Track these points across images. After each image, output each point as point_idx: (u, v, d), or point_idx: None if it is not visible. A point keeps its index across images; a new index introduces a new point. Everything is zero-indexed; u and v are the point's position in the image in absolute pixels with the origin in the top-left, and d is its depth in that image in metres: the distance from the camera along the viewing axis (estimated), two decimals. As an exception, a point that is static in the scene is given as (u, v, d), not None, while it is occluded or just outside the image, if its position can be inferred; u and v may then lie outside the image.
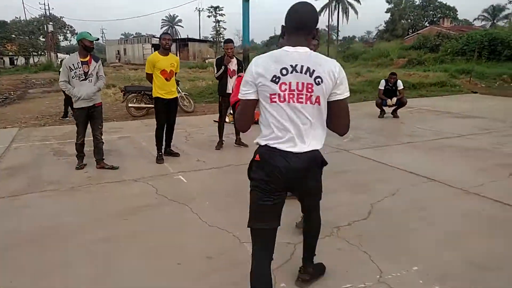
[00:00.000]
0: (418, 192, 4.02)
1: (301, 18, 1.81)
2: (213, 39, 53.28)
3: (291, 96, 1.78)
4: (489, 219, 3.34)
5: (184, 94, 10.12)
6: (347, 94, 1.86)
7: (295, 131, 1.82)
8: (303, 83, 1.77)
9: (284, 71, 1.77)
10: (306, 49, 1.81)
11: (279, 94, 1.78)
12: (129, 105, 9.37)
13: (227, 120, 6.50)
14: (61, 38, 56.74)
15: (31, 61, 45.91)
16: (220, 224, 3.25)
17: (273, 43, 51.96)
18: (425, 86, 14.43)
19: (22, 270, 2.62)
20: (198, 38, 57.01)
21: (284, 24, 1.87)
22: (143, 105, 9.31)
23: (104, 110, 10.21)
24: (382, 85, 8.53)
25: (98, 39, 4.81)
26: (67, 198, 3.97)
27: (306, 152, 1.84)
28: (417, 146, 5.93)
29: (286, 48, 1.81)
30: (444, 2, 55.02)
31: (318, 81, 1.76)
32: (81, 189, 4.20)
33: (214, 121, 7.23)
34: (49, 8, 47.47)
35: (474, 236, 3.04)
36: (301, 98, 1.78)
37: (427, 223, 3.28)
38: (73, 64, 4.55)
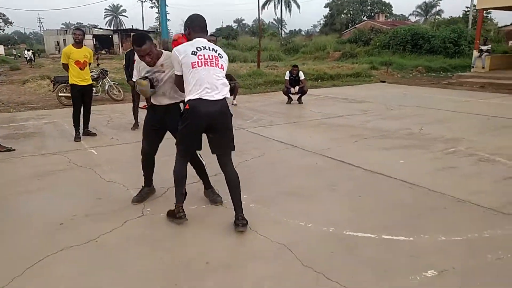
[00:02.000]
0: (277, 154, 5.28)
1: (202, 22, 3.13)
2: (157, 30, 52.97)
3: (206, 62, 2.96)
4: (315, 168, 4.64)
5: (114, 84, 10.87)
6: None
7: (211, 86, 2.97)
8: (212, 55, 3.01)
9: (198, 49, 2.98)
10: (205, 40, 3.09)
11: (197, 62, 2.94)
12: (59, 94, 9.98)
13: (141, 105, 7.39)
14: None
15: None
16: (115, 180, 4.28)
17: (219, 35, 52.41)
18: (342, 77, 16.10)
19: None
20: (141, 28, 56.26)
21: (188, 25, 3.10)
22: (72, 94, 9.94)
23: (37, 100, 10.78)
24: (287, 76, 9.87)
25: None
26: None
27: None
28: (299, 125, 7.29)
29: (196, 38, 3.04)
30: (381, -1, 58.48)
31: (220, 55, 3.07)
32: (4, 160, 5.03)
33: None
34: (-22, -5, 44.70)
35: (295, 177, 4.31)
36: (213, 63, 2.99)
37: (269, 171, 4.52)
38: None
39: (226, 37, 48.45)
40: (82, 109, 6.13)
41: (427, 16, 66.76)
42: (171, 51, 3.18)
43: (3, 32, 60.18)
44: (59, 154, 5.31)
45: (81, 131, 6.16)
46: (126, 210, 3.51)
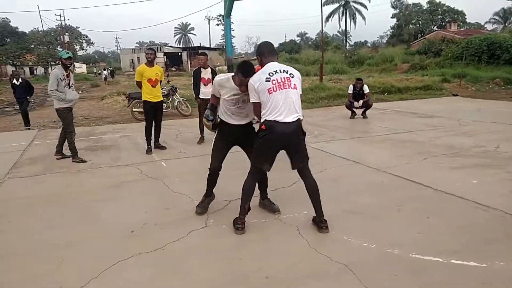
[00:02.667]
0: (339, 170, 5.19)
1: (269, 47, 3.40)
2: (222, 47, 55.02)
3: (279, 86, 3.16)
4: (380, 186, 4.49)
5: (182, 100, 11.46)
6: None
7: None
8: (284, 77, 3.20)
9: (271, 74, 3.20)
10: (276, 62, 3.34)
11: (272, 87, 3.16)
12: (133, 109, 10.74)
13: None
14: (77, 47, 59.23)
15: (49, 70, 48.26)
16: (181, 191, 4.50)
17: (282, 50, 52.97)
18: (410, 90, 15.44)
19: (42, 219, 3.91)
20: (208, 46, 58.76)
21: (258, 54, 3.35)
22: (145, 109, 10.64)
23: (114, 115, 11.69)
24: (350, 89, 9.69)
25: (70, 57, 5.84)
26: (73, 177, 5.29)
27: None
28: (363, 140, 7.10)
29: (267, 64, 3.28)
30: (452, 6, 55.46)
31: (292, 75, 3.25)
32: (84, 171, 5.52)
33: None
34: (65, 19, 50.00)
35: (358, 195, 4.20)
36: (286, 85, 3.18)
37: (331, 188, 4.45)
38: (61, 76, 5.74)
39: (289, 51, 48.92)
40: (153, 123, 6.54)
41: (506, 24, 61.94)
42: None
43: (85, 52, 66.15)
44: (132, 165, 5.70)
45: (152, 144, 6.56)
46: (191, 220, 3.68)
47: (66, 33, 45.49)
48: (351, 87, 9.75)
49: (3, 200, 4.42)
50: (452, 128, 7.97)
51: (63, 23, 49.02)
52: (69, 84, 5.88)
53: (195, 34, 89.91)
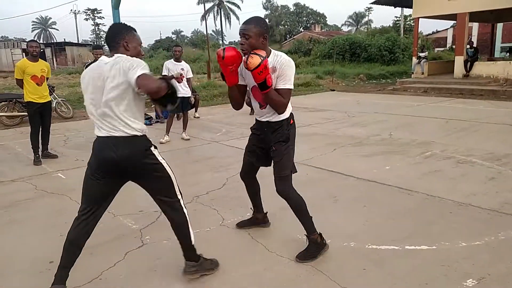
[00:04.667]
0: (263, 167, 5.10)
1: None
2: (93, 42, 50.70)
3: None
4: (307, 179, 4.54)
5: (61, 100, 10.07)
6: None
7: None
8: None
9: None
10: None
11: None
12: (0, 114, 9.02)
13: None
14: None
15: None
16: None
17: (159, 47, 51.21)
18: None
19: None
20: (76, 42, 53.45)
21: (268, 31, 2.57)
22: (15, 113, 9.04)
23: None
24: (249, 85, 9.75)
25: None
26: None
27: None
28: (273, 135, 7.18)
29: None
30: (315, 9, 61.00)
31: None
32: (-46, 193, 4.34)
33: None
34: None
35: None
36: None
37: (263, 186, 4.31)
38: None
39: (167, 49, 47.51)
40: (40, 128, 5.52)
41: (358, 26, 70.74)
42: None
43: None
44: (21, 180, 4.71)
45: (40, 153, 5.54)
46: (122, 240, 3.16)
47: None
48: (249, 83, 9.81)
49: None
50: (343, 120, 8.63)
51: None
52: None
53: (57, 29, 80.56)
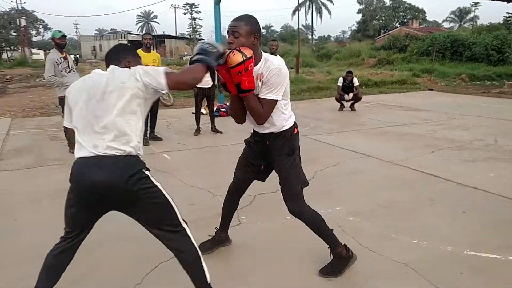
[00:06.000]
0: (353, 163, 5.09)
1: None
2: (190, 36, 53.76)
3: None
4: (402, 180, 4.44)
5: (164, 89, 10.97)
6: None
7: None
8: None
9: None
10: None
11: None
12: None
13: (203, 111, 7.40)
14: (33, 33, 55.80)
15: (4, 56, 45.14)
16: (198, 185, 4.21)
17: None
18: (386, 84, 15.74)
19: (54, 217, 3.50)
20: (174, 35, 57.24)
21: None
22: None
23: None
24: (340, 82, 9.66)
25: (64, 35, 5.41)
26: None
27: None
28: (363, 132, 7.07)
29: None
30: (413, 4, 57.38)
31: None
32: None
33: (192, 113, 8.11)
34: (21, 1, 46.64)
35: (386, 190, 4.11)
36: None
37: (355, 182, 4.35)
38: (58, 60, 5.27)
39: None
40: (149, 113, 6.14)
41: (462, 23, 65.01)
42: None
43: (42, 37, 62.49)
44: (133, 158, 5.31)
45: (148, 135, 6.17)
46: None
47: (23, 17, 42.53)
48: (340, 79, 9.72)
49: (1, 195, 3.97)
50: (443, 121, 8.12)
51: (19, 6, 45.83)
52: (68, 66, 5.35)
53: (158, 23, 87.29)
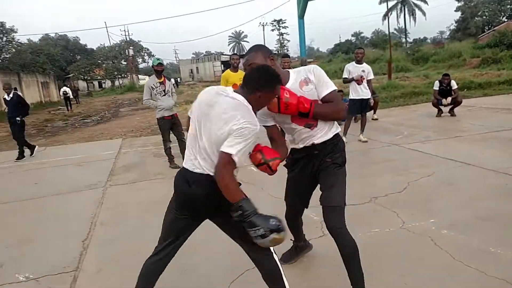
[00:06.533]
0: (451, 173, 4.72)
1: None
2: (278, 51, 55.08)
3: None
4: (508, 190, 3.99)
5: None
6: None
7: None
8: None
9: None
10: None
11: None
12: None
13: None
14: (139, 60, 62.21)
15: (116, 83, 51.19)
16: (282, 196, 4.31)
17: (338, 50, 51.87)
18: (492, 85, 14.21)
19: (151, 223, 3.91)
20: (263, 52, 58.99)
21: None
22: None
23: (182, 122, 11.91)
24: (436, 86, 9.03)
25: (160, 63, 5.92)
26: (171, 182, 5.30)
27: None
28: (463, 139, 6.49)
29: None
30: (525, -7, 51.10)
31: None
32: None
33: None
34: (129, 33, 52.65)
35: (487, 201, 3.74)
36: None
37: (451, 193, 4.04)
38: (153, 84, 5.87)
39: (346, 51, 47.66)
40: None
41: None
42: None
43: (147, 64, 69.44)
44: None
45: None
46: (305, 228, 3.45)
47: (131, 47, 47.91)
48: (436, 83, 9.09)
49: (113, 207, 4.54)
50: (561, 124, 7.10)
51: (127, 38, 51.72)
52: (164, 90, 5.95)
53: (248, 41, 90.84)
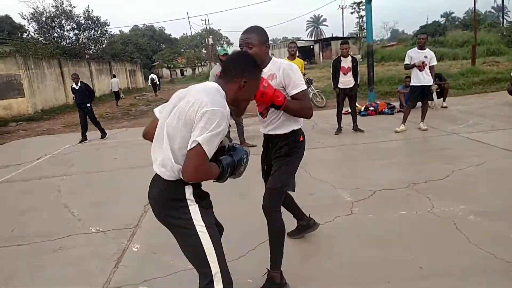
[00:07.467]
0: (503, 164, 4.57)
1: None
2: (357, 35, 53.08)
3: None
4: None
5: (317, 91, 11.54)
6: None
7: None
8: None
9: None
10: None
11: None
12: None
13: (344, 111, 7.43)
14: (218, 49, 64.31)
15: (196, 71, 53.76)
16: (323, 178, 4.58)
17: (423, 32, 48.45)
18: None
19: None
20: (341, 36, 57.44)
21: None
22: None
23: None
24: (514, 71, 8.36)
25: (226, 53, 6.28)
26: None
27: None
28: (533, 129, 6.07)
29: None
30: None
31: None
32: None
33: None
34: (209, 23, 54.59)
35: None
36: None
37: (495, 183, 3.97)
38: (218, 73, 6.24)
39: (432, 34, 44.35)
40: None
41: None
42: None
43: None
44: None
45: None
46: (336, 207, 3.71)
47: (210, 36, 49.85)
48: (514, 69, 8.43)
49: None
50: None
51: (208, 27, 53.80)
52: None
53: (327, 25, 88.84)
